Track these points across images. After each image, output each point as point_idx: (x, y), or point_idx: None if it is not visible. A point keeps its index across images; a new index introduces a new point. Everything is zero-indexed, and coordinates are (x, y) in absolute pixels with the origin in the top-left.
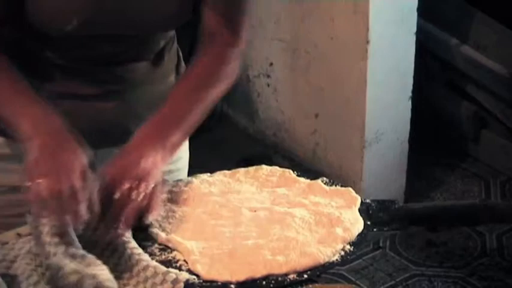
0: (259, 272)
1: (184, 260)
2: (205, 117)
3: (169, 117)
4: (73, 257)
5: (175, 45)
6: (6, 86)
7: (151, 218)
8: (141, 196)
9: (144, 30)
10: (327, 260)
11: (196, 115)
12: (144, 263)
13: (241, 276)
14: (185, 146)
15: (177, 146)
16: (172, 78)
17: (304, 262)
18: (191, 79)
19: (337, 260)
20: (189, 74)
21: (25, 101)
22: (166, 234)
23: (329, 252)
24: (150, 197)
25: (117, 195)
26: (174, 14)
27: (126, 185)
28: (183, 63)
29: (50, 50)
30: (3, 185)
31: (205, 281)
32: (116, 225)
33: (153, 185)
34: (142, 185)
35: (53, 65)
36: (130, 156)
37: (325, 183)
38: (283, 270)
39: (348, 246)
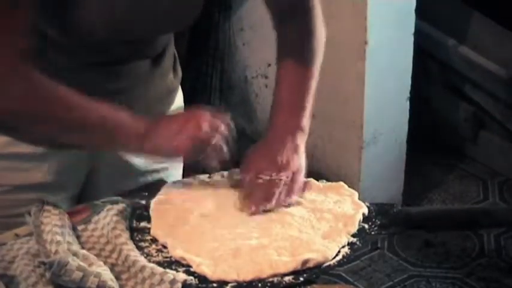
0: (265, 272)
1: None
2: None
3: (293, 101)
4: (75, 255)
5: (173, 44)
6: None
7: (290, 201)
8: (282, 183)
9: (163, 32)
10: (334, 254)
11: (312, 90)
12: (141, 264)
13: (248, 276)
14: None
15: (308, 125)
16: (170, 76)
17: (312, 259)
18: (291, 61)
19: (334, 263)
20: (285, 57)
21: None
22: (168, 237)
23: (335, 246)
24: (291, 182)
25: (260, 181)
26: (191, 13)
27: (267, 174)
28: (178, 63)
29: (60, 53)
30: (7, 184)
31: (205, 282)
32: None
33: (292, 173)
34: (283, 174)
35: (60, 67)
36: (272, 147)
37: (317, 181)
38: (290, 268)
39: (352, 239)
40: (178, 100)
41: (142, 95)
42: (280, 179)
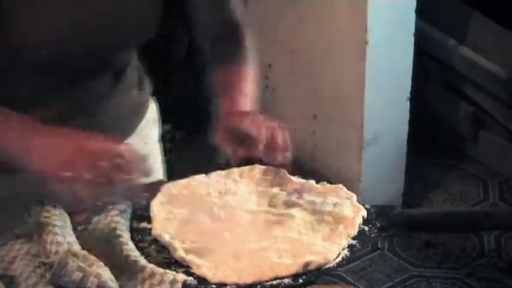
0: (266, 275)
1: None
2: (204, 118)
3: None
4: (75, 256)
5: (135, 59)
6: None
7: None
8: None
9: (116, 47)
10: (335, 257)
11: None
12: (141, 264)
13: (249, 279)
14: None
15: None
16: (135, 92)
17: (313, 262)
18: (227, 67)
19: (333, 266)
20: (222, 68)
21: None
22: (170, 238)
23: (335, 249)
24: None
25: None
26: (145, 28)
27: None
28: (146, 79)
29: (12, 74)
30: None
31: (205, 282)
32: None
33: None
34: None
35: (13, 89)
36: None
37: (316, 183)
38: (292, 271)
39: (352, 241)
40: (150, 114)
41: (106, 111)
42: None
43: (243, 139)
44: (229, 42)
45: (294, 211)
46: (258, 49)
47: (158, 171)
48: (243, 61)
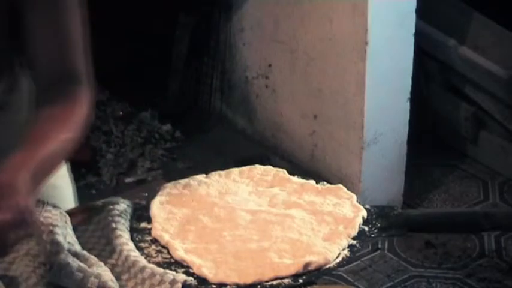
0: (266, 275)
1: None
2: (204, 118)
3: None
4: (75, 256)
5: (24, 85)
6: None
7: None
8: None
9: None
10: (335, 257)
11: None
12: (141, 264)
13: (249, 279)
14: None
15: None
16: (24, 117)
17: (313, 262)
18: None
19: (334, 266)
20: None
21: None
22: (170, 238)
23: (336, 249)
24: None
25: None
26: None
27: None
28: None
29: None
30: None
31: (205, 282)
32: None
33: None
34: None
35: None
36: None
37: (316, 183)
38: (292, 271)
39: (352, 241)
40: None
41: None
42: None
43: None
44: (58, 96)
45: (294, 211)
46: (90, 106)
47: (69, 200)
48: (62, 119)
